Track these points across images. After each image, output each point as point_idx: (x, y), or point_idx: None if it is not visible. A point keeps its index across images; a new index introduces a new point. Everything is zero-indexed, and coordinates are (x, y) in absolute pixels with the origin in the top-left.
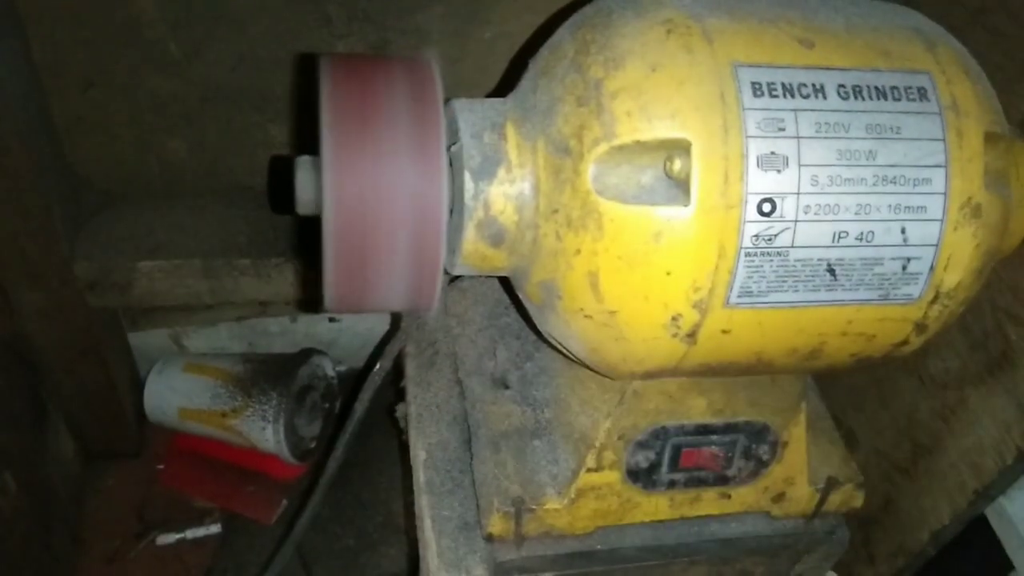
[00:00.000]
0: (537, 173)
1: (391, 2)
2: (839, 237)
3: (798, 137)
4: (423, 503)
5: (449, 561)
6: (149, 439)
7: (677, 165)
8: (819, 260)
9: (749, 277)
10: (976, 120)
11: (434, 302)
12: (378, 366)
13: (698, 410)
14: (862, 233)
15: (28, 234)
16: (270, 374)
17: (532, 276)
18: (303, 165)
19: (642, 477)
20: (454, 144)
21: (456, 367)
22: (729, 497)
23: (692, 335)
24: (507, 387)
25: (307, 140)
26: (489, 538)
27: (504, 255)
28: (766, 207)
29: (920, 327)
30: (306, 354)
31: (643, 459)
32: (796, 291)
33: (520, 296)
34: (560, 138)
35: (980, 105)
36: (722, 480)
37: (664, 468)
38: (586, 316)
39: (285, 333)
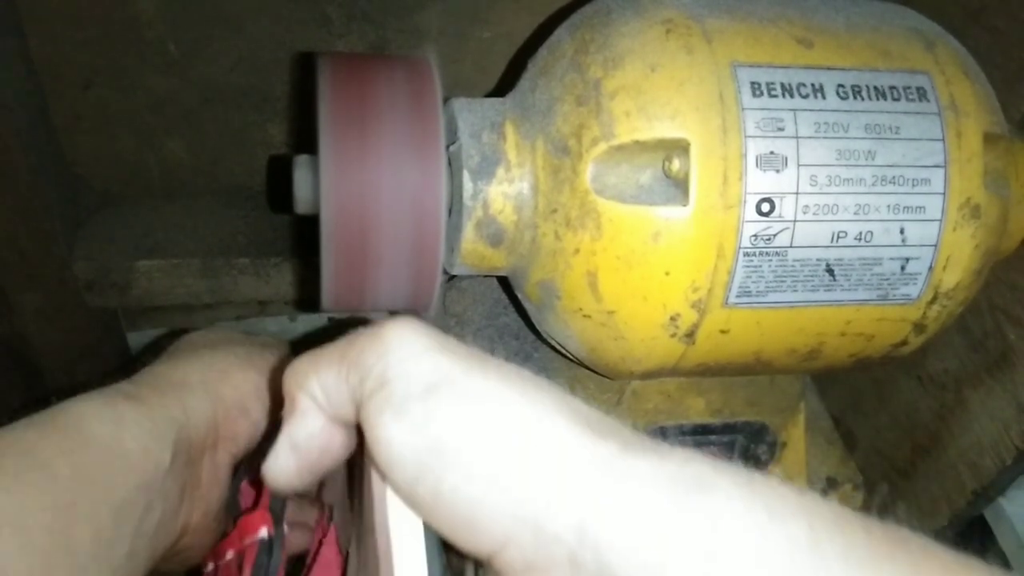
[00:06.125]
0: (536, 173)
1: (390, 2)
2: (838, 237)
3: (797, 137)
4: None
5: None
6: None
7: (676, 165)
8: (818, 260)
9: (748, 277)
10: (975, 120)
11: (433, 302)
12: None
13: (696, 410)
14: (861, 233)
15: (26, 234)
16: None
17: (531, 276)
18: (301, 164)
19: None
20: (453, 143)
21: None
22: None
23: (691, 335)
24: None
25: (306, 139)
26: None
27: (503, 255)
28: (765, 207)
29: (919, 327)
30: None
31: None
32: (795, 291)
33: (519, 296)
34: (559, 138)
35: (979, 105)
36: None
37: None
38: (585, 316)
39: (284, 332)
